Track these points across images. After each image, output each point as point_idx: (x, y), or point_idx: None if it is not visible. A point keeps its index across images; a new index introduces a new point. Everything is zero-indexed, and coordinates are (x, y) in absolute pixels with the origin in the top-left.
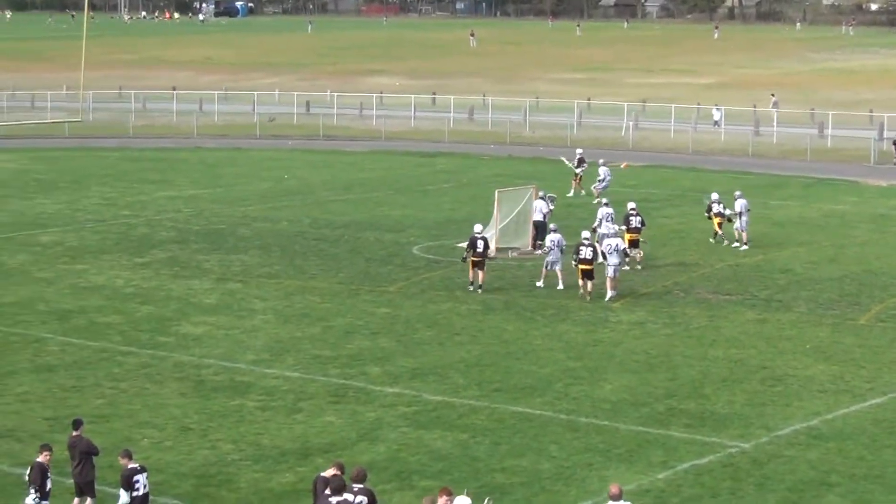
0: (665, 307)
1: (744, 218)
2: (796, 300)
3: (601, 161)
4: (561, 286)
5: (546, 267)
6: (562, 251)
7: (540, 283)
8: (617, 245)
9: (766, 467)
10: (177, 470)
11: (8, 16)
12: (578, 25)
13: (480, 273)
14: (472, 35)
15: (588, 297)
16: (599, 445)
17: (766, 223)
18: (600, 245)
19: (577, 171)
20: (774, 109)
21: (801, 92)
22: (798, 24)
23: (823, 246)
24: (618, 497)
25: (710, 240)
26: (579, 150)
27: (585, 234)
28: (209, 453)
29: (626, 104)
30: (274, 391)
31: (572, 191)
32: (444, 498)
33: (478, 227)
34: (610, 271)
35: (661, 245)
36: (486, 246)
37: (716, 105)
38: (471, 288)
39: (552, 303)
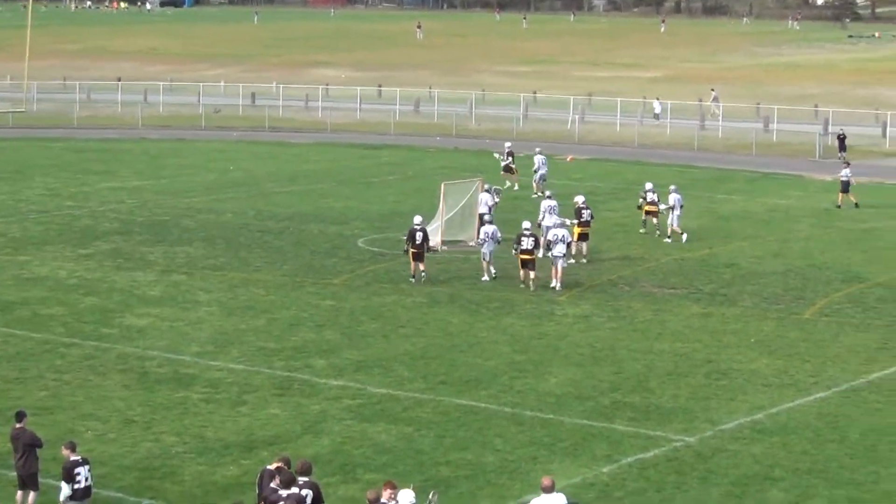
0: (610, 301)
1: (676, 212)
2: (741, 294)
3: (537, 150)
4: (493, 271)
5: (483, 259)
6: (498, 243)
7: (485, 278)
8: (564, 236)
9: (711, 461)
10: (120, 462)
11: None
12: (525, 18)
13: (420, 265)
14: (419, 27)
15: (531, 287)
16: (544, 439)
17: (710, 217)
18: (544, 237)
19: (504, 163)
20: (715, 104)
21: (746, 86)
22: (744, 18)
23: (768, 240)
24: (550, 489)
25: (640, 230)
26: (508, 144)
27: (526, 224)
28: (153, 446)
29: (571, 97)
30: (218, 383)
31: (516, 185)
32: (388, 491)
33: (417, 219)
34: (556, 262)
35: (606, 238)
36: (426, 237)
37: (657, 98)
38: (412, 280)
39: (497, 295)
